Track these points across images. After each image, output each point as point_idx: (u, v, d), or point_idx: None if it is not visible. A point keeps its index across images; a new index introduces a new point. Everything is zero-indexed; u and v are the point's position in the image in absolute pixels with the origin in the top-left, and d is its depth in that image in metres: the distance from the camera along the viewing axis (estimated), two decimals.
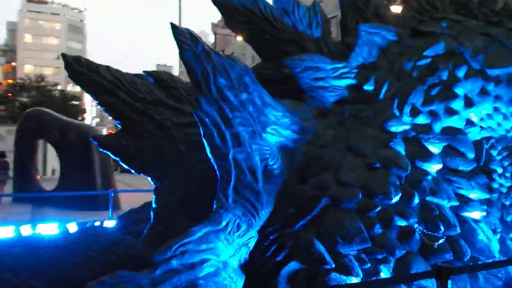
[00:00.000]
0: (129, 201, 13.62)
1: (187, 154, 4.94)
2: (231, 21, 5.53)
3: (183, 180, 4.92)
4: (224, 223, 3.92)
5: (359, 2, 5.86)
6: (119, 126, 5.05)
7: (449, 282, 3.62)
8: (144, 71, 5.13)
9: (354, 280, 3.93)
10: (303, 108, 4.86)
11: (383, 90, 5.10)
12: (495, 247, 4.42)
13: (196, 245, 3.77)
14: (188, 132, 4.98)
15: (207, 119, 4.02)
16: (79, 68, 4.86)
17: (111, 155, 5.11)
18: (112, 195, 12.31)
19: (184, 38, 3.96)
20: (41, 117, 15.48)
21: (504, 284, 4.28)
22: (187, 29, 4.05)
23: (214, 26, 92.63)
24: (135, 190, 16.18)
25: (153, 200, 5.01)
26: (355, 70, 5.18)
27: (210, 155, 4.10)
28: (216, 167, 4.08)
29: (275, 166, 4.28)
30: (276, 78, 5.46)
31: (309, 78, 4.98)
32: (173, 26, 4.04)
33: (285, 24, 5.51)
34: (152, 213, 4.99)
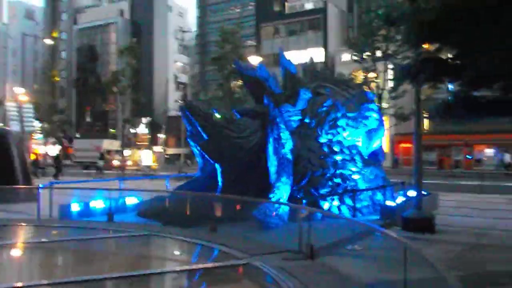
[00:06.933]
0: None
1: (238, 153, 9.71)
2: (246, 83, 10.41)
3: (236, 167, 9.67)
4: (283, 180, 9.06)
5: (313, 72, 11.54)
6: (206, 137, 9.41)
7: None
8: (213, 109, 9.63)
9: (327, 203, 9.68)
10: (287, 130, 10.25)
11: (313, 122, 10.93)
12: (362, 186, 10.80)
13: (278, 188, 8.83)
14: (238, 142, 9.76)
15: (274, 138, 9.07)
16: (191, 106, 9.09)
17: (204, 153, 9.44)
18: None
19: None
20: None
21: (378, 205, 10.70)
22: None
23: None
24: None
25: (219, 176, 9.58)
26: (299, 111, 10.86)
27: (273, 154, 9.13)
28: (276, 159, 9.14)
29: (291, 158, 9.59)
30: (260, 112, 10.68)
31: (287, 115, 10.43)
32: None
33: (266, 85, 10.74)
34: (220, 184, 9.57)
